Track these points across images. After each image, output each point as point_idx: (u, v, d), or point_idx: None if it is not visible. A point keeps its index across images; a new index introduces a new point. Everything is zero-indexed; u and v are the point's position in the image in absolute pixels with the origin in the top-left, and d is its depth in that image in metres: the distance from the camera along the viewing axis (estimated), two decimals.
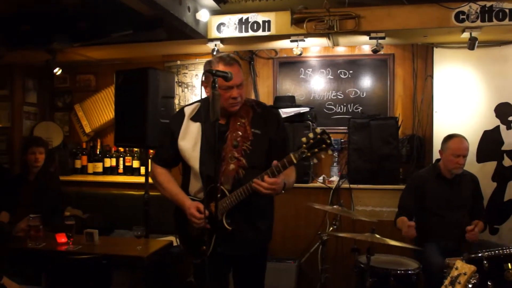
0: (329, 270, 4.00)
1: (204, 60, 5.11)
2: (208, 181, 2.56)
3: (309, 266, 4.66)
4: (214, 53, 4.60)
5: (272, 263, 4.30)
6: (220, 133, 2.61)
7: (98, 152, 5.69)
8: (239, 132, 2.65)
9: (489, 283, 2.78)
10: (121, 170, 5.60)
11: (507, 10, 3.94)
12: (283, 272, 4.43)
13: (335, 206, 3.62)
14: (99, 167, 5.64)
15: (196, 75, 5.21)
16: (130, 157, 5.55)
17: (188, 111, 2.80)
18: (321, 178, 4.73)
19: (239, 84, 2.62)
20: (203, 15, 4.25)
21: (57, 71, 5.14)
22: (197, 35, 4.38)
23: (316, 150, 2.45)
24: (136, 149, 5.53)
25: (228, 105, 2.63)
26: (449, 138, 3.87)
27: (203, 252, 2.52)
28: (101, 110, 5.67)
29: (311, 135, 2.45)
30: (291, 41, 4.44)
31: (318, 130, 2.46)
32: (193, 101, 3.21)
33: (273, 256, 4.51)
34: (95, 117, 5.70)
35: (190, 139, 2.71)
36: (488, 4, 3.98)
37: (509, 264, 2.85)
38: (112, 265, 3.12)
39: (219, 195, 2.59)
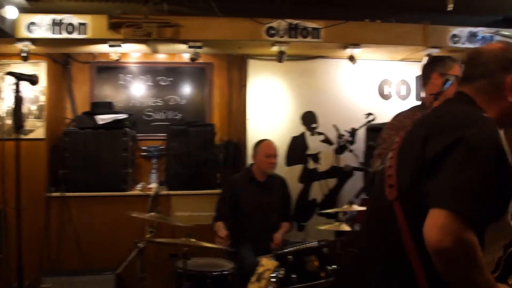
0: (149, 277, 3.98)
1: (13, 61, 4.70)
2: None
3: (129, 275, 4.55)
4: (25, 54, 4.25)
5: (89, 276, 4.20)
6: None
7: None
8: None
9: (293, 275, 3.05)
10: None
11: (310, 29, 4.39)
12: (101, 284, 4.26)
13: (152, 213, 3.62)
14: None
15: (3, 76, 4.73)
16: None
17: None
18: (140, 185, 4.68)
19: None
20: (8, 12, 3.89)
21: None
22: (3, 33, 3.99)
23: None
24: None
25: None
26: (259, 142, 4.23)
27: None
28: None
29: None
30: (110, 46, 4.33)
31: None
32: None
33: (90, 268, 4.34)
34: None
35: None
36: (294, 22, 4.38)
37: (310, 256, 3.17)
38: None
39: None
